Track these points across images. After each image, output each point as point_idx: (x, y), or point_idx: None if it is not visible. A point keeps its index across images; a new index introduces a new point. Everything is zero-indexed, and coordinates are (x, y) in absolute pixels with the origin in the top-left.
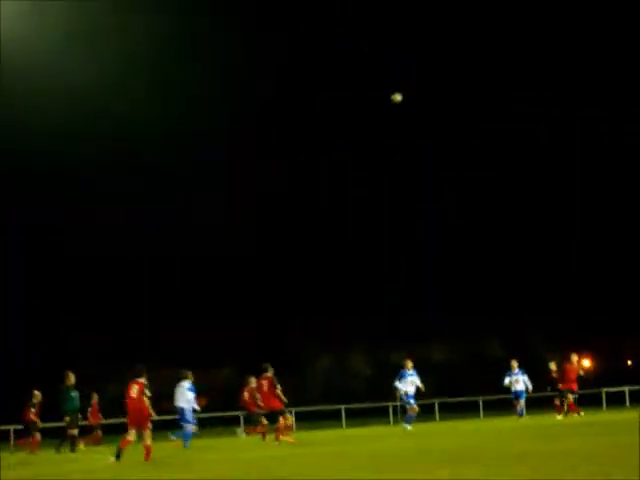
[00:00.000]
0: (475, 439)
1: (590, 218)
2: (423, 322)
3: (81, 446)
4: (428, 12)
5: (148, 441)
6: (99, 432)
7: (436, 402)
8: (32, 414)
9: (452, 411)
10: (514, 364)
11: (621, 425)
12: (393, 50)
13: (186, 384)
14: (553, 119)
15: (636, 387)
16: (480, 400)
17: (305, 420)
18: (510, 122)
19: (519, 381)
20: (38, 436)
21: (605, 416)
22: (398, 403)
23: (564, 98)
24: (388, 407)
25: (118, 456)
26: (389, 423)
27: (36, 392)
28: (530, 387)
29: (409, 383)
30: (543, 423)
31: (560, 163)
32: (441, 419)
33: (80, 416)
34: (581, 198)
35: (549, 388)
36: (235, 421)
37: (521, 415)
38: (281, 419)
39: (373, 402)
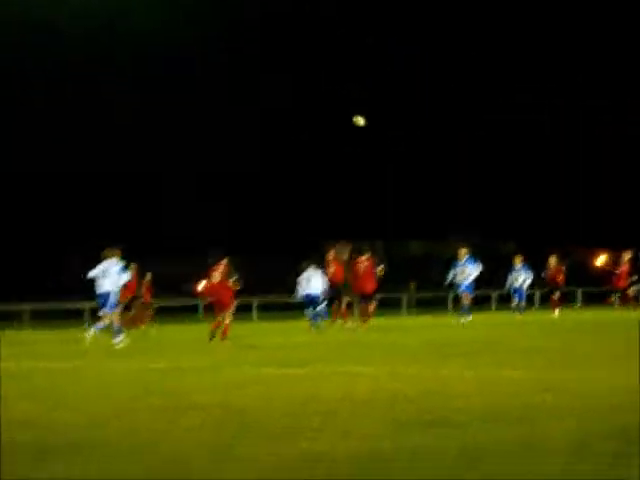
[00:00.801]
0: (487, 332)
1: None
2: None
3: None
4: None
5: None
6: (150, 311)
7: (449, 295)
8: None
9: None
10: (517, 260)
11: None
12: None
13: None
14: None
15: None
16: (493, 295)
17: None
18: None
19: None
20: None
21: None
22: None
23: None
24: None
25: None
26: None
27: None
28: (525, 283)
29: (460, 273)
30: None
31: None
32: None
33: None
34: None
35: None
36: None
37: (521, 311)
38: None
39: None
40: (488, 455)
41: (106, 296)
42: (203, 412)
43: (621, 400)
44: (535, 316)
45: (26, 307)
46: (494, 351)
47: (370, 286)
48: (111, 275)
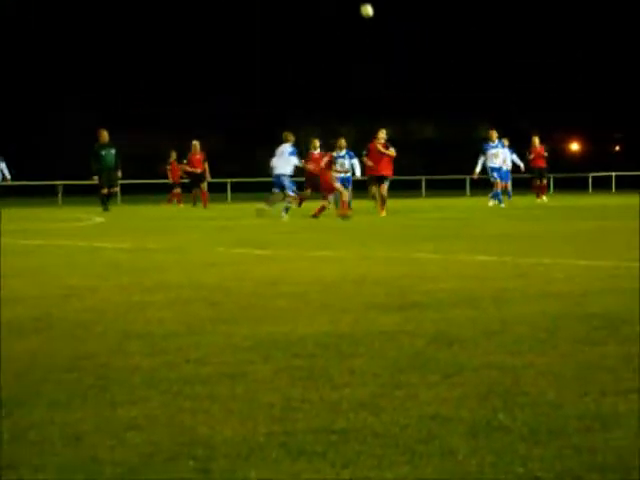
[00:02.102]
0: (459, 216)
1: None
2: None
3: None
4: None
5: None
6: (177, 189)
7: (423, 179)
8: (180, 169)
9: (439, 188)
10: (493, 135)
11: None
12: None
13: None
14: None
15: (622, 173)
16: (467, 179)
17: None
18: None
19: (498, 155)
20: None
21: (591, 200)
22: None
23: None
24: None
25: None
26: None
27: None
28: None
29: (493, 156)
30: (526, 205)
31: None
32: (427, 196)
33: (117, 174)
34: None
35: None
36: None
37: (496, 197)
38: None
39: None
40: (460, 339)
41: (282, 178)
42: (173, 291)
43: (597, 285)
44: (514, 202)
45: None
46: (468, 236)
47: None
48: (285, 158)
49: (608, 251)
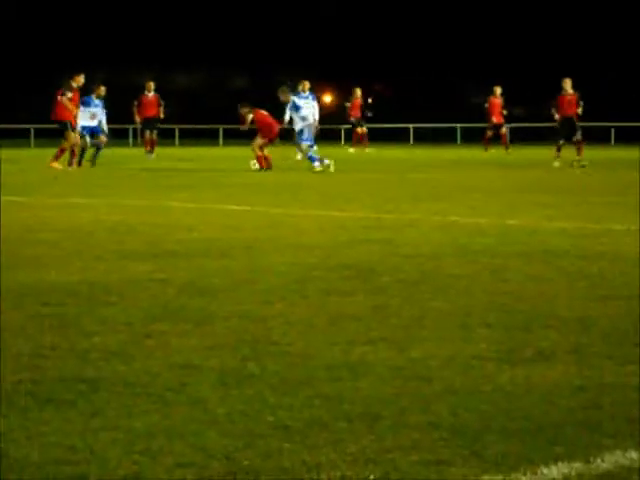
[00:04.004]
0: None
1: None
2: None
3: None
4: None
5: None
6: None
7: (177, 128)
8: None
9: (193, 137)
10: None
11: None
12: None
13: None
14: None
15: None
16: (220, 129)
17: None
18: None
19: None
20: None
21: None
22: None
23: None
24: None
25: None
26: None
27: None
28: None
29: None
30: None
31: None
32: (181, 145)
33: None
34: None
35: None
36: None
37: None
38: None
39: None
40: (211, 288)
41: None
42: None
43: (347, 236)
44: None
45: None
46: (217, 185)
47: None
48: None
49: (362, 203)
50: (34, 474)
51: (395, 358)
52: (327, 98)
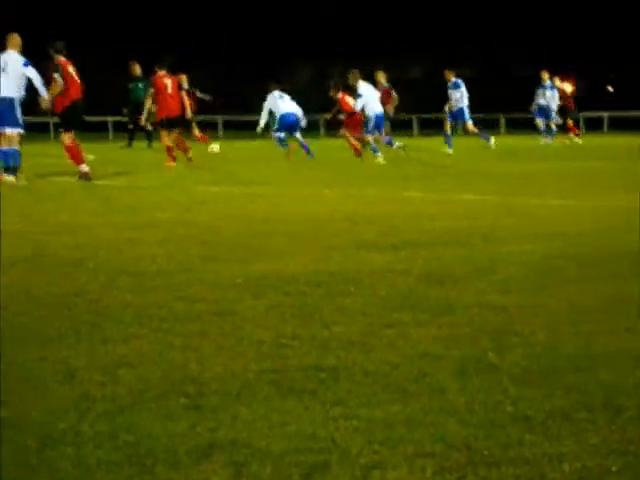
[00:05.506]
0: (446, 159)
1: None
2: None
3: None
4: None
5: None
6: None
7: (414, 117)
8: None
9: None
10: (545, 76)
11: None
12: None
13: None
14: None
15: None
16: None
17: None
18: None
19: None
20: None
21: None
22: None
23: None
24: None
25: None
26: None
27: None
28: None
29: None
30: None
31: None
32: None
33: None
34: None
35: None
36: None
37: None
38: None
39: None
40: (451, 277)
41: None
42: (164, 229)
43: (587, 227)
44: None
45: None
46: (457, 175)
47: None
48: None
49: (601, 192)
50: (276, 462)
51: (638, 349)
52: None
